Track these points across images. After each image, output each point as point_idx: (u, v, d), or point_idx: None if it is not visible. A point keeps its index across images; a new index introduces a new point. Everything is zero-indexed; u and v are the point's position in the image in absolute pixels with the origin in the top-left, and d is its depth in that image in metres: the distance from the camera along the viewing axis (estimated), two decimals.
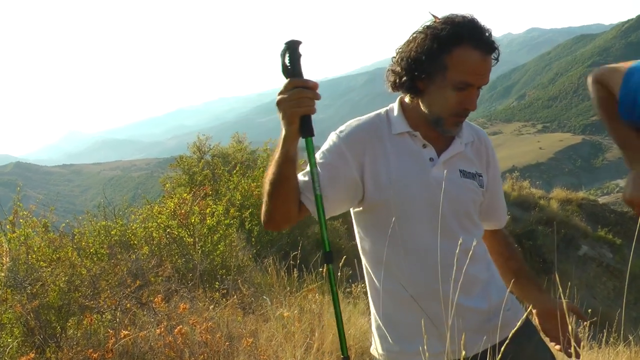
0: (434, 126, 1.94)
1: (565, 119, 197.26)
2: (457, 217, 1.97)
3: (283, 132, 1.81)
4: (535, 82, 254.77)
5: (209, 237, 5.96)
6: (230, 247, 6.20)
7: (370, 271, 2.05)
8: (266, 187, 1.90)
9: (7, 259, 3.98)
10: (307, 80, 1.78)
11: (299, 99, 1.77)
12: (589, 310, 4.72)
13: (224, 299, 4.71)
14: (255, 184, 9.13)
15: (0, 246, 4.35)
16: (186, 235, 5.89)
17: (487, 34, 1.85)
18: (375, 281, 2.03)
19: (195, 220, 5.97)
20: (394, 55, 1.96)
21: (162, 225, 5.94)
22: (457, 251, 1.77)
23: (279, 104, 1.78)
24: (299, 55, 1.82)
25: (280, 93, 1.79)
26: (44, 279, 3.81)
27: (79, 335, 3.72)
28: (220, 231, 6.07)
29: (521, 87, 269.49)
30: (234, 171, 10.09)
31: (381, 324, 2.04)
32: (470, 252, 1.80)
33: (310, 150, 1.86)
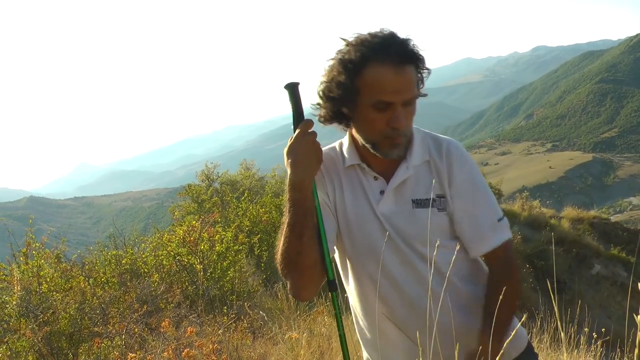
0: (374, 151, 1.83)
1: (575, 137, 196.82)
2: (413, 248, 1.84)
3: (301, 179, 1.76)
4: (542, 101, 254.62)
5: (219, 264, 6.00)
6: (239, 273, 6.23)
7: (353, 305, 2.01)
8: (290, 258, 1.77)
9: (19, 288, 4.05)
10: (312, 122, 1.80)
11: (315, 145, 1.78)
12: (603, 330, 4.70)
13: (234, 324, 4.75)
14: (263, 210, 9.19)
15: (13, 277, 4.43)
16: (196, 262, 5.94)
17: (397, 46, 1.71)
18: (361, 317, 1.99)
19: (204, 247, 6.01)
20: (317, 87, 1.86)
21: (172, 253, 5.99)
22: (428, 280, 1.74)
23: (294, 152, 1.76)
24: (300, 97, 1.85)
25: (296, 141, 1.77)
26: (55, 307, 3.88)
27: None
28: (230, 257, 6.10)
29: (529, 106, 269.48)
30: (243, 198, 10.16)
31: (369, 357, 2.02)
32: (430, 280, 1.74)
33: (315, 189, 1.82)
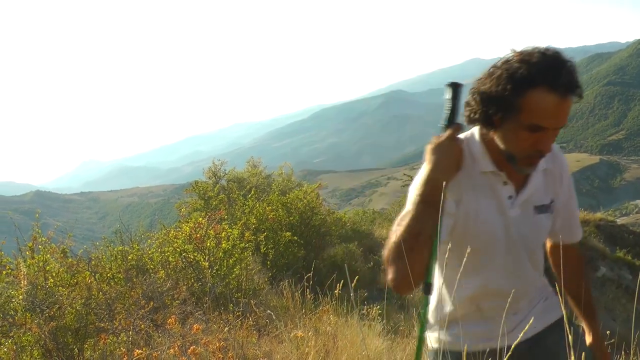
0: (507, 162, 1.90)
1: (582, 139, 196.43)
2: (528, 252, 2.04)
3: (437, 178, 1.80)
4: None
5: (225, 261, 5.99)
6: (245, 271, 6.23)
7: (442, 278, 2.10)
8: (400, 251, 1.78)
9: (25, 282, 4.05)
10: (461, 128, 1.88)
11: (460, 153, 1.85)
12: (607, 332, 4.66)
13: (240, 321, 4.74)
14: (270, 207, 9.18)
15: (19, 271, 4.43)
16: (202, 259, 5.93)
17: (566, 73, 1.73)
18: (446, 300, 2.11)
19: (210, 244, 6.01)
20: (472, 86, 1.90)
21: (178, 250, 5.98)
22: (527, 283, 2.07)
23: (439, 151, 1.81)
24: (460, 99, 1.89)
25: (445, 142, 1.82)
26: (61, 302, 3.88)
27: (96, 356, 3.77)
28: (236, 255, 6.10)
29: None
30: (249, 195, 10.16)
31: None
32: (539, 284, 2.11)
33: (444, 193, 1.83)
